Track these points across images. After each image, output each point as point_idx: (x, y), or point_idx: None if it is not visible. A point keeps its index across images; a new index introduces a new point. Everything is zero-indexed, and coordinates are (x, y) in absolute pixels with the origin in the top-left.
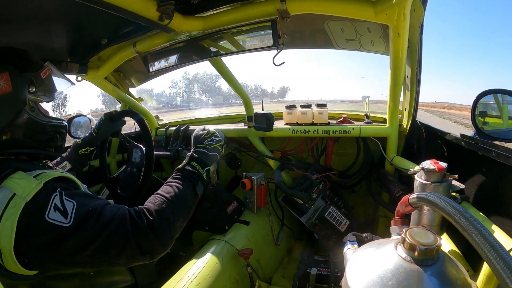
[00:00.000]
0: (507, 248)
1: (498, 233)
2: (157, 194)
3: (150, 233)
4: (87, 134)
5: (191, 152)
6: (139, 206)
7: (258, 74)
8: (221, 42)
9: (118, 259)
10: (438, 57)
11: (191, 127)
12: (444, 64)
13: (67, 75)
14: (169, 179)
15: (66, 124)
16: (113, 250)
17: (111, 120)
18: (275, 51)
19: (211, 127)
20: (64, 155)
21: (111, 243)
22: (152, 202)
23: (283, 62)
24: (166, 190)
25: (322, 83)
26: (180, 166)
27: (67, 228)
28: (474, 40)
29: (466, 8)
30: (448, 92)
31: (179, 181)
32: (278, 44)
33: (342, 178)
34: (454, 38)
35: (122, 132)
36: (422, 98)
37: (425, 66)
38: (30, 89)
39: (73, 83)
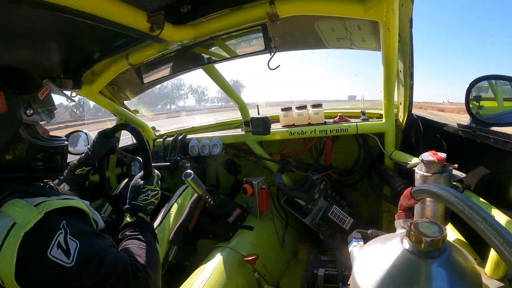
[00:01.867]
0: None
1: (502, 219)
2: (136, 247)
3: (148, 280)
4: (83, 154)
5: (128, 206)
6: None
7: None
8: (213, 49)
9: None
10: (448, 53)
11: (188, 137)
12: (457, 60)
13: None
14: (129, 233)
15: (67, 143)
16: None
17: (105, 138)
18: (266, 55)
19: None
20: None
21: None
22: (138, 255)
23: (278, 65)
24: (140, 243)
25: (303, 82)
26: (129, 221)
27: (68, 268)
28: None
29: None
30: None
31: (141, 232)
32: (270, 47)
33: (343, 176)
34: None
35: (122, 145)
36: (431, 98)
37: (434, 62)
38: (27, 112)
39: (73, 100)
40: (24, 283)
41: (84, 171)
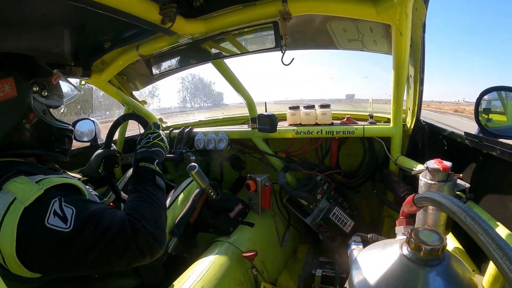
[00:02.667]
0: None
1: (504, 232)
2: (131, 200)
3: (147, 235)
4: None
5: (133, 157)
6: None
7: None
8: (224, 44)
9: (120, 261)
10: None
11: (195, 130)
12: (474, 57)
13: (71, 80)
14: (130, 186)
15: (73, 128)
16: (115, 254)
17: (100, 148)
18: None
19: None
20: None
21: (112, 247)
22: (132, 208)
23: (293, 59)
24: (135, 195)
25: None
26: (131, 173)
27: (67, 233)
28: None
29: None
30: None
31: (140, 184)
32: (280, 45)
33: (347, 178)
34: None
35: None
36: (445, 96)
37: (449, 59)
38: (42, 93)
39: (80, 91)
40: (25, 258)
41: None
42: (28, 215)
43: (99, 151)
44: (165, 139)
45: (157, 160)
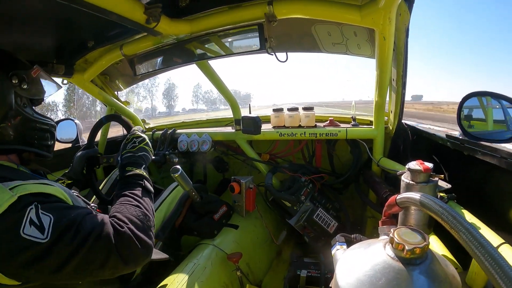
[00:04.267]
0: (495, 245)
1: (485, 231)
2: (118, 204)
3: (133, 239)
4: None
5: (119, 161)
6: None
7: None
8: (209, 45)
9: (102, 271)
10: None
11: (178, 131)
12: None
13: (53, 78)
14: (117, 191)
15: (55, 124)
16: (95, 263)
17: (82, 150)
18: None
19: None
20: None
21: (92, 257)
22: (119, 211)
23: (287, 54)
24: (124, 199)
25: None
26: (118, 177)
27: (44, 244)
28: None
29: None
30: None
31: (128, 189)
32: (265, 47)
33: (332, 177)
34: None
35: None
36: (446, 97)
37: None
38: (22, 86)
39: (60, 86)
40: (1, 267)
41: (64, 184)
42: (1, 224)
43: (81, 152)
44: (150, 143)
45: (144, 165)
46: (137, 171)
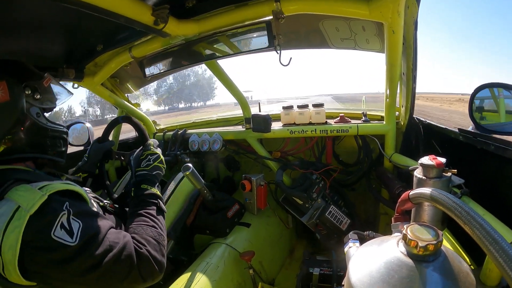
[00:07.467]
0: (509, 241)
1: (499, 226)
2: (135, 224)
3: (151, 260)
4: (85, 160)
5: (133, 179)
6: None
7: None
8: (217, 45)
9: (120, 284)
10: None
11: (189, 131)
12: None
13: (64, 83)
14: (132, 209)
15: (67, 130)
16: (118, 276)
17: (99, 142)
18: (270, 52)
19: (153, 144)
20: None
21: (116, 270)
22: (137, 233)
23: (291, 58)
24: (140, 219)
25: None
26: (132, 194)
27: (72, 247)
28: None
29: None
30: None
31: (143, 207)
32: (273, 45)
33: (343, 175)
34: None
35: (123, 138)
36: (461, 89)
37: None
38: (35, 96)
39: (71, 93)
40: (27, 268)
41: (80, 178)
42: (33, 224)
43: (97, 144)
44: (163, 160)
45: (157, 184)
46: (152, 190)
